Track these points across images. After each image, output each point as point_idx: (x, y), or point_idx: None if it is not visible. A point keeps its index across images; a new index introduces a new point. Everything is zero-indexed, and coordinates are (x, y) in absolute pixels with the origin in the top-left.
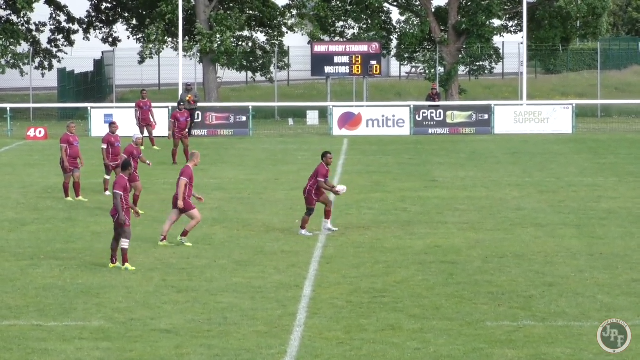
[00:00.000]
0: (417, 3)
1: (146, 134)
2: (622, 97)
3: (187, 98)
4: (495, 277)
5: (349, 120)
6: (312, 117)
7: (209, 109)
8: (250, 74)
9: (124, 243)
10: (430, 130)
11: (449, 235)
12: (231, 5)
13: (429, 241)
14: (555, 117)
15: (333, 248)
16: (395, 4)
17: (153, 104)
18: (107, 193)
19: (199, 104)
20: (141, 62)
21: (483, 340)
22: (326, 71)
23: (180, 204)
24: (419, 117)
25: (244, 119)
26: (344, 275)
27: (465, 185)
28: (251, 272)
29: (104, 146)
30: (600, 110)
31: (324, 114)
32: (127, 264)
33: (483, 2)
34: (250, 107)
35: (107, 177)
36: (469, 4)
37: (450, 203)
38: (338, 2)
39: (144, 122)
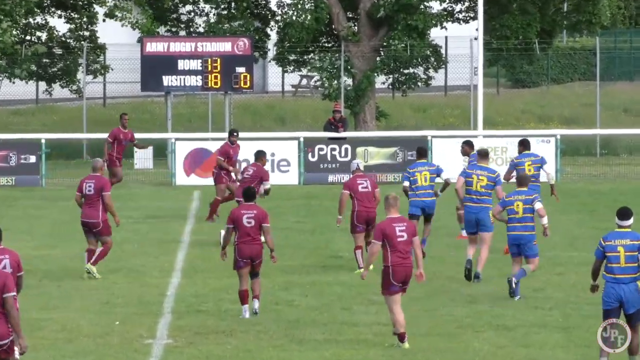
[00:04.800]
0: None
1: None
2: (635, 124)
3: None
4: None
5: (201, 160)
6: (143, 157)
7: None
8: (43, 84)
9: None
10: (331, 177)
11: (363, 344)
12: None
13: (328, 353)
14: None
15: None
16: None
17: None
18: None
19: None
20: None
21: None
22: (165, 83)
23: None
24: (313, 156)
25: (33, 159)
26: None
27: None
28: None
29: (110, 140)
30: (600, 145)
31: (161, 151)
32: None
33: None
34: (43, 141)
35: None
36: None
37: (361, 292)
38: None
39: None
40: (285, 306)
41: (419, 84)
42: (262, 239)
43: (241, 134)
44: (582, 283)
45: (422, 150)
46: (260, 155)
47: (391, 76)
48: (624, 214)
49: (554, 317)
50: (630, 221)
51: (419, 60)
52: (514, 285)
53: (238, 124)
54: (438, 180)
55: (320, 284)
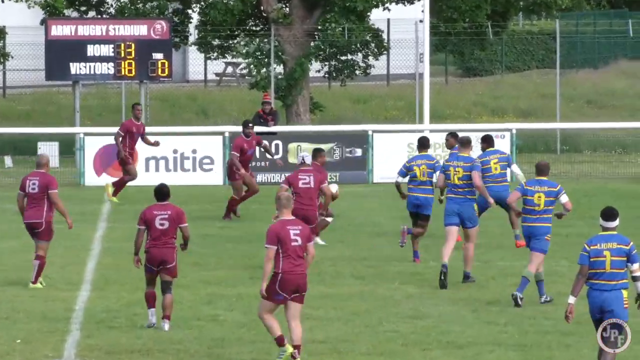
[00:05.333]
0: None
1: None
2: (599, 117)
3: None
4: None
5: (113, 158)
6: (47, 151)
7: None
8: None
9: None
10: (260, 177)
11: None
12: None
13: None
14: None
15: None
16: None
17: None
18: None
19: None
20: None
21: None
22: (73, 71)
23: None
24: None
25: None
26: None
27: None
28: None
29: (121, 133)
30: (560, 141)
31: (69, 147)
32: None
33: None
34: None
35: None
36: None
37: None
38: None
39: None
40: (208, 322)
41: (358, 72)
42: (176, 242)
43: (158, 129)
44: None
45: (424, 140)
46: (317, 153)
47: (327, 64)
48: (609, 214)
49: (509, 334)
50: (616, 222)
51: (358, 45)
52: (519, 302)
53: (155, 118)
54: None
55: (248, 297)
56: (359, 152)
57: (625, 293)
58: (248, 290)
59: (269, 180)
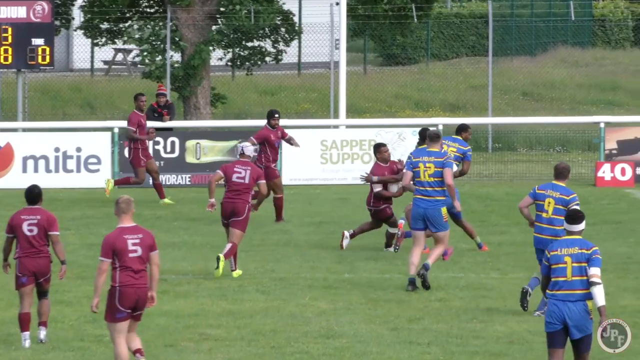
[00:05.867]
0: None
1: None
2: (536, 111)
3: None
4: None
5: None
6: None
7: None
8: None
9: None
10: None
11: None
12: None
13: None
14: (401, 152)
15: None
16: None
17: None
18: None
19: None
20: None
21: None
22: None
23: None
24: (132, 152)
25: None
26: None
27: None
28: None
29: (133, 129)
30: (492, 137)
31: None
32: None
33: None
34: None
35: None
36: None
37: (190, 324)
38: None
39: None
40: (93, 343)
41: (267, 60)
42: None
43: (37, 124)
44: (468, 311)
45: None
46: (378, 149)
47: (231, 50)
48: (574, 217)
49: (433, 355)
50: (582, 226)
51: (266, 30)
52: (527, 297)
53: (35, 110)
54: None
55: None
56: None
57: (589, 304)
58: None
59: (164, 182)
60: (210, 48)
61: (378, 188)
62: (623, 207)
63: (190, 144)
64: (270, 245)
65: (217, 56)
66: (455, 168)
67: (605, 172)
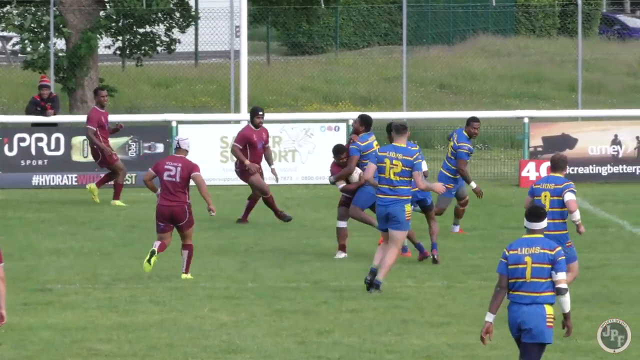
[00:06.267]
0: None
1: None
2: (455, 105)
3: None
4: None
5: None
6: None
7: None
8: None
9: None
10: (37, 179)
11: None
12: None
13: None
14: (308, 150)
15: None
16: None
17: None
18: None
19: None
20: None
21: None
22: None
23: None
24: (11, 149)
25: None
26: None
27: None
28: None
29: (93, 128)
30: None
31: None
32: None
33: None
34: None
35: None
36: None
37: (78, 338)
38: None
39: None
40: None
41: (160, 49)
42: None
43: None
44: (382, 323)
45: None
46: (337, 154)
47: (120, 38)
48: (534, 213)
49: None
50: (543, 224)
51: (160, 15)
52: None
53: None
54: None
55: (21, 328)
56: (160, 147)
57: (549, 308)
58: (21, 320)
59: (47, 183)
60: (98, 35)
61: (342, 184)
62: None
63: (76, 140)
64: (164, 251)
65: (106, 44)
66: (424, 167)
67: (530, 171)
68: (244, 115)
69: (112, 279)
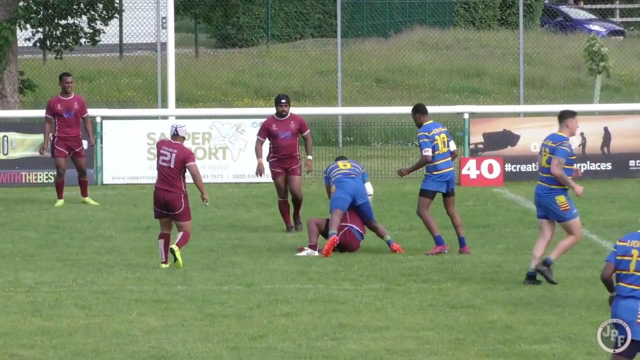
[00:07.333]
0: None
1: None
2: (392, 100)
3: None
4: None
5: None
6: None
7: None
8: None
9: None
10: None
11: None
12: None
13: None
14: (240, 147)
15: None
16: None
17: None
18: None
19: None
20: None
21: None
22: None
23: None
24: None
25: None
26: None
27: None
28: None
29: (48, 116)
30: (342, 130)
31: None
32: None
33: None
34: None
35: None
36: None
37: (5, 343)
38: None
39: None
40: None
41: (82, 41)
42: None
43: None
44: (318, 327)
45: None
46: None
47: (41, 30)
48: None
49: None
50: None
51: (82, 6)
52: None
53: None
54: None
55: None
56: (84, 143)
57: None
58: None
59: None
60: (17, 27)
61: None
62: (491, 209)
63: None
64: (89, 253)
65: (25, 36)
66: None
67: (470, 169)
68: (172, 110)
69: (34, 282)
